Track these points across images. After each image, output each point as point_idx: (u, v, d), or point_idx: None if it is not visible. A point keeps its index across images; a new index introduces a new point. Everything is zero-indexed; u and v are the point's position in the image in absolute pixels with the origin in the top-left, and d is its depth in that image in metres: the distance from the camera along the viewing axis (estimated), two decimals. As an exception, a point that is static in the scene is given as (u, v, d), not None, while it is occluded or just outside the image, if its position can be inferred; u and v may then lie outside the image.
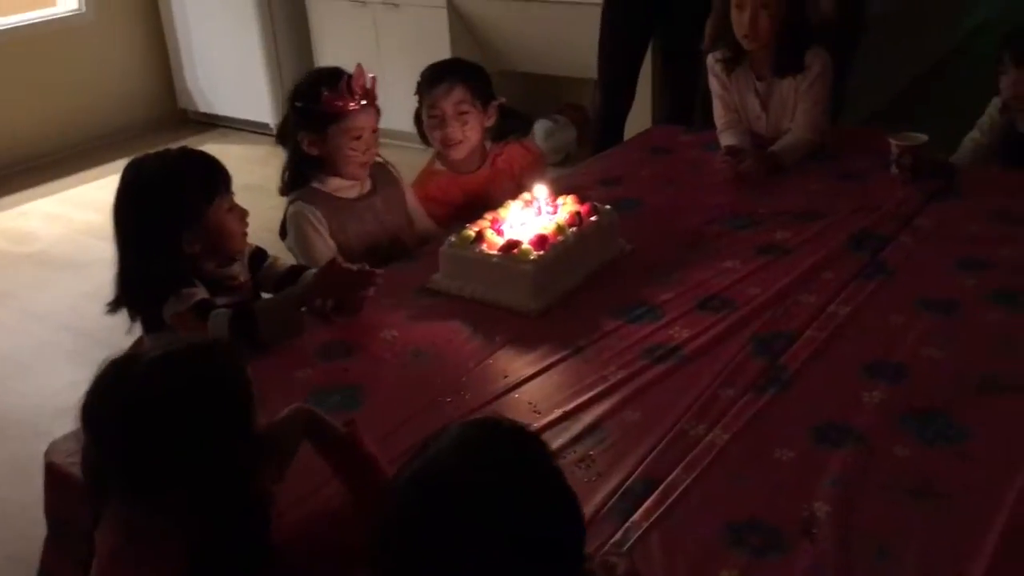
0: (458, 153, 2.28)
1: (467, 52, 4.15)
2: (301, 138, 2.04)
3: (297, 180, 2.10)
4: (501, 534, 0.87)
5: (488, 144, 2.34)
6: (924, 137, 2.26)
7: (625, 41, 3.34)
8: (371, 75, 2.05)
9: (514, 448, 0.96)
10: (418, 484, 0.90)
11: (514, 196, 2.04)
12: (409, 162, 2.29)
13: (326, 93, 1.98)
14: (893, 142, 2.27)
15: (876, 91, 4.35)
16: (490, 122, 2.30)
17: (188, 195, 1.71)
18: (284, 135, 2.12)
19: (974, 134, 2.50)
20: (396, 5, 4.33)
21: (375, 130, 2.07)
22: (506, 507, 0.88)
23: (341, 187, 2.09)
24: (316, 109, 2.00)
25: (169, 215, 1.70)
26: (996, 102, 2.47)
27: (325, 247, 2.03)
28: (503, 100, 2.32)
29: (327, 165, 2.07)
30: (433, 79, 2.26)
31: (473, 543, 0.86)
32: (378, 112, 2.09)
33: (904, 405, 1.46)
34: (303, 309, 1.78)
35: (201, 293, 1.69)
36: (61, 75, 4.79)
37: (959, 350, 1.60)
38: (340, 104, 1.99)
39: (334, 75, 2.01)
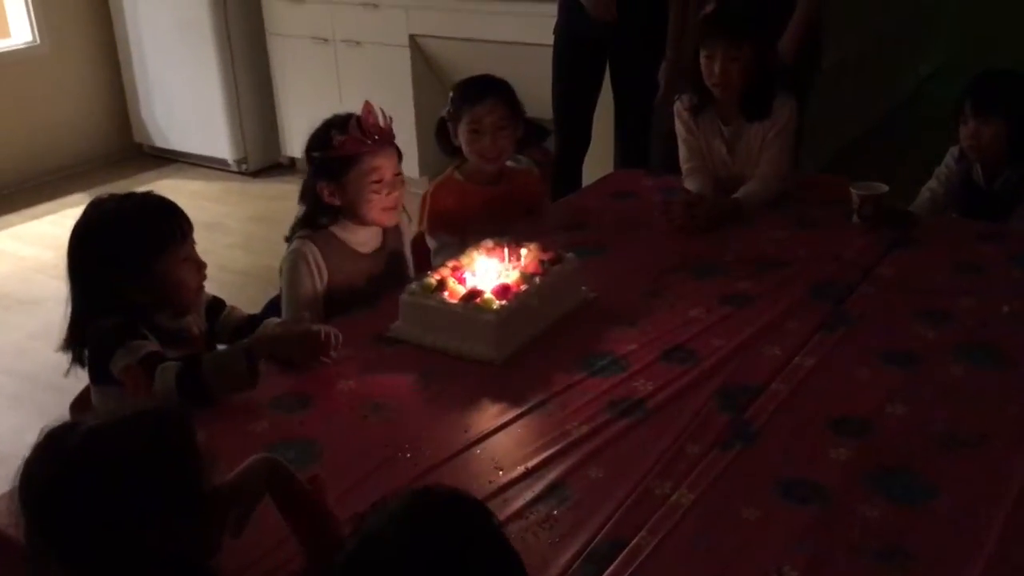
0: (494, 165, 2.36)
1: (429, 90, 4.17)
2: (321, 188, 1.99)
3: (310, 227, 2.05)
4: None
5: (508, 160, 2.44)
6: (884, 187, 2.27)
7: (575, 84, 3.36)
8: (388, 115, 2.01)
9: (453, 519, 0.92)
10: (357, 565, 0.86)
11: (519, 215, 2.22)
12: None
13: (337, 137, 1.94)
14: (854, 191, 2.28)
15: (832, 137, 4.42)
16: (519, 134, 2.38)
17: (134, 243, 1.65)
18: (304, 194, 2.06)
19: (931, 183, 2.54)
20: (358, 43, 4.33)
21: (397, 172, 2.02)
22: None
23: (358, 241, 2.05)
24: (330, 156, 1.96)
25: (112, 262, 1.64)
26: (953, 151, 2.51)
27: (309, 290, 1.99)
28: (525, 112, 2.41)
29: (351, 215, 2.02)
30: (477, 95, 2.32)
31: None
32: (399, 153, 2.04)
33: (870, 462, 1.44)
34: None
35: (150, 346, 1.63)
36: (14, 107, 4.71)
37: (923, 405, 1.59)
38: (353, 145, 1.95)
39: (346, 119, 1.97)
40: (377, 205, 2.01)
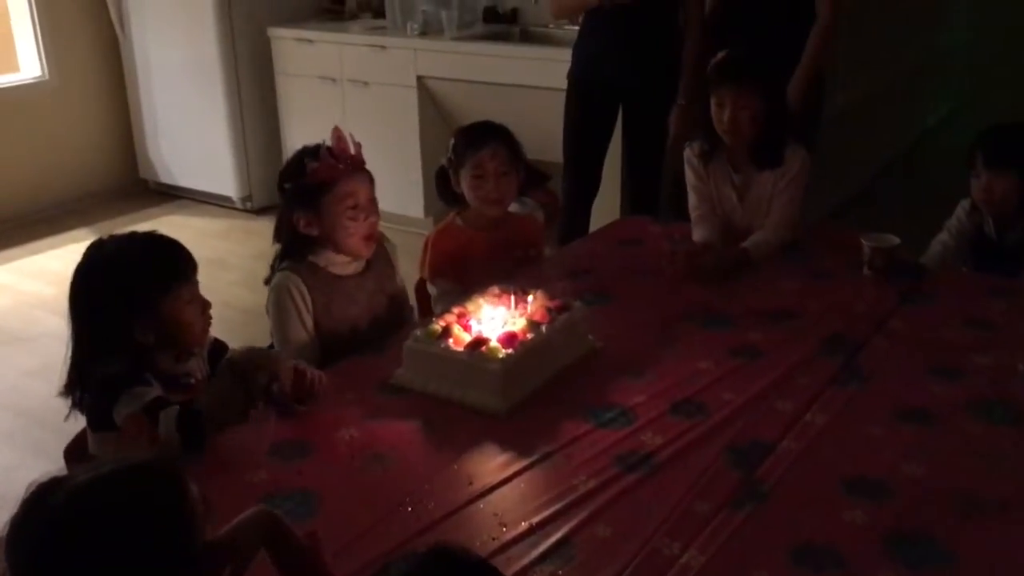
0: (498, 210, 2.34)
1: (436, 131, 4.17)
2: (297, 219, 1.98)
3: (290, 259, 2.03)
4: None
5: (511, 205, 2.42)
6: (896, 239, 2.25)
7: (587, 130, 3.35)
8: (356, 141, 2.00)
9: None
10: None
11: (521, 262, 2.25)
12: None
13: (311, 164, 1.93)
14: (865, 243, 2.25)
15: (836, 185, 4.41)
16: (521, 179, 2.36)
17: (140, 282, 1.62)
18: (279, 229, 2.04)
19: (943, 236, 2.51)
20: (366, 84, 4.34)
21: (372, 198, 2.01)
22: None
23: (336, 262, 2.03)
24: (304, 184, 1.94)
25: (116, 303, 1.60)
26: (964, 204, 2.49)
27: (300, 327, 1.97)
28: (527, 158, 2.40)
29: (329, 244, 2.00)
30: (478, 140, 2.30)
31: None
32: (371, 179, 2.03)
33: (887, 526, 1.40)
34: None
35: (153, 391, 1.58)
36: (21, 141, 4.71)
37: (939, 465, 1.55)
38: (325, 171, 1.93)
39: (317, 148, 1.96)
40: (355, 233, 1.99)
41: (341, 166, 1.95)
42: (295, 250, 2.01)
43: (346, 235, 1.99)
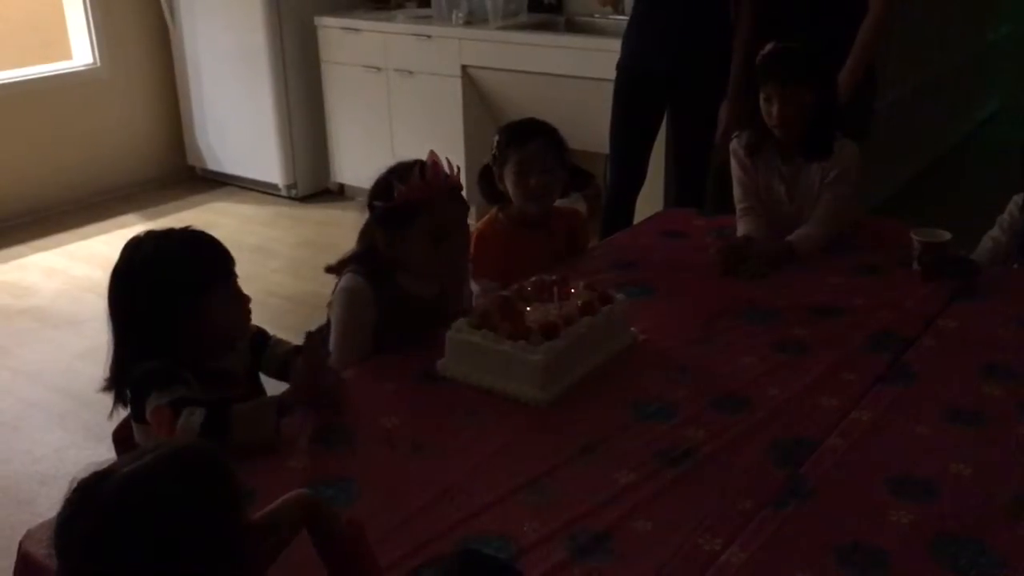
0: (541, 207, 2.32)
1: (480, 121, 4.17)
2: (379, 239, 1.90)
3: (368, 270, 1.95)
4: None
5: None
6: (948, 235, 2.20)
7: (635, 122, 3.32)
8: (455, 164, 1.92)
9: None
10: None
11: (563, 257, 2.25)
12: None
13: (399, 187, 1.85)
14: (915, 238, 2.21)
15: (885, 179, 4.33)
16: (565, 178, 2.35)
17: (181, 283, 1.60)
18: (362, 237, 1.97)
19: (994, 232, 2.45)
20: (411, 73, 4.34)
21: (462, 226, 1.94)
22: None
23: (413, 285, 1.95)
24: (390, 206, 1.86)
25: (159, 304, 1.59)
26: (1017, 199, 2.43)
27: (363, 334, 1.93)
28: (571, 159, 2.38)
29: (407, 266, 1.92)
30: (522, 137, 2.28)
31: None
32: (466, 205, 1.95)
33: (934, 528, 1.37)
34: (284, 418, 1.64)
35: (185, 391, 1.56)
36: (72, 128, 4.80)
37: (990, 467, 1.51)
38: (416, 197, 1.85)
39: (409, 167, 1.88)
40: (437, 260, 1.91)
41: (432, 192, 1.86)
42: (373, 261, 1.93)
43: (431, 263, 1.92)
